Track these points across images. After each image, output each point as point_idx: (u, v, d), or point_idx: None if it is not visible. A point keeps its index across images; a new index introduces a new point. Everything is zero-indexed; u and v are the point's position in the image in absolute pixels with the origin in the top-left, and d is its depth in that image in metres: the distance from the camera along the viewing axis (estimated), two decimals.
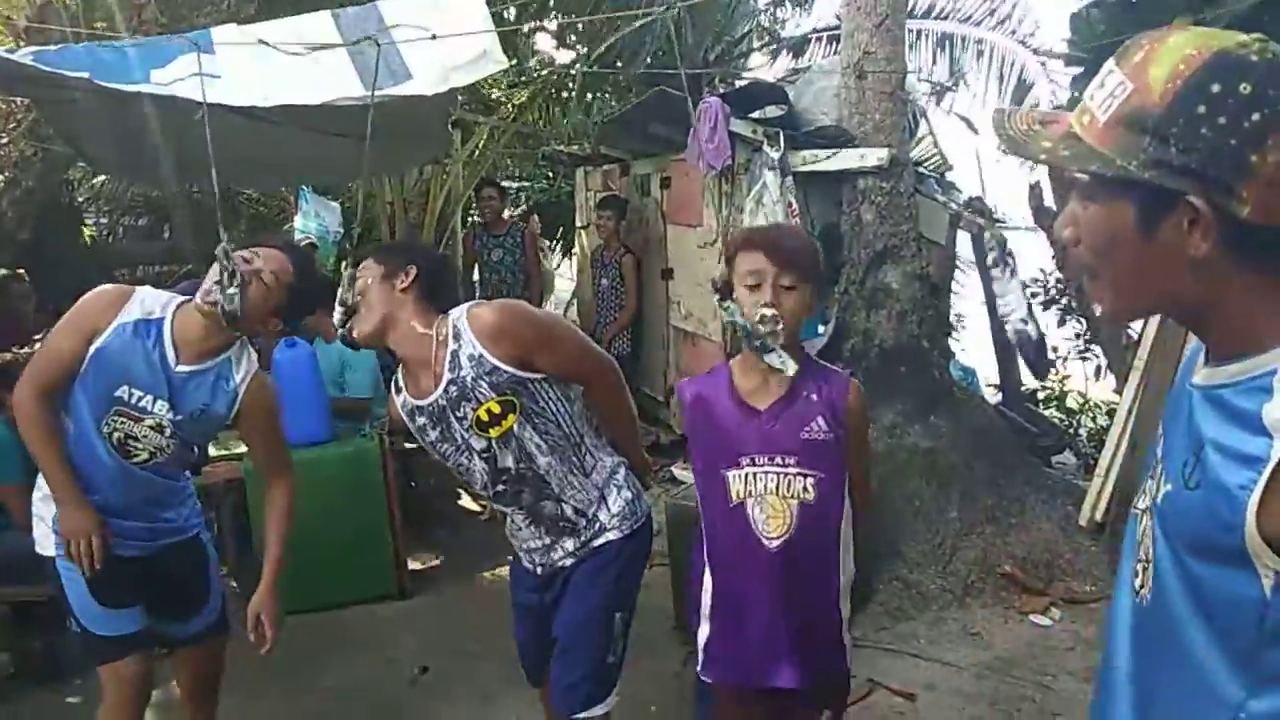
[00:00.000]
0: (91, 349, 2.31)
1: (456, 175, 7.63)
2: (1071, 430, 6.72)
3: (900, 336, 4.83)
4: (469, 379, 2.09)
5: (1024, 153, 1.03)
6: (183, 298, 2.43)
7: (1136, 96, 0.91)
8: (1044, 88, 9.31)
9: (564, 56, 8.83)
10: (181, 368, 2.36)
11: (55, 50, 4.29)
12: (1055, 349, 6.98)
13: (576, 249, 8.37)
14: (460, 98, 5.75)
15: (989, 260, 6.02)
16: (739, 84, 6.93)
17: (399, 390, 2.25)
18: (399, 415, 2.28)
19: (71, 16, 6.06)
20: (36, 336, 4.79)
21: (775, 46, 10.07)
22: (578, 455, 2.23)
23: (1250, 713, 0.89)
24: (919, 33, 9.58)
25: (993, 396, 6.49)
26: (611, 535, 2.26)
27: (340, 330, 2.24)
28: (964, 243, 6.45)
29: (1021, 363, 6.32)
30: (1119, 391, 4.98)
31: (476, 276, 7.21)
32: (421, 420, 2.21)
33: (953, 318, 7.05)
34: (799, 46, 10.06)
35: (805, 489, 1.97)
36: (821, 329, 5.65)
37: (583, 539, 2.26)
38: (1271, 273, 0.91)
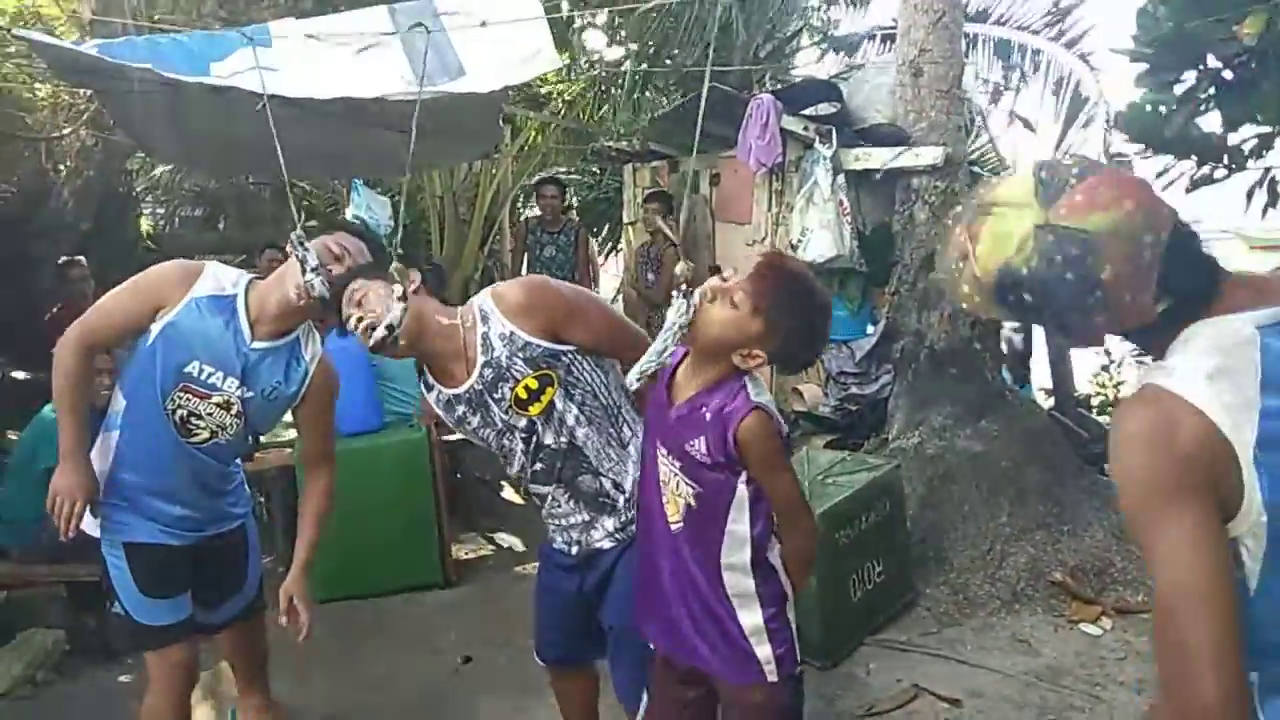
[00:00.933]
0: (160, 324, 2.32)
1: (505, 170, 7.65)
2: None
3: (952, 338, 4.76)
4: (503, 358, 2.09)
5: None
6: (251, 274, 2.45)
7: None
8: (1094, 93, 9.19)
9: (613, 54, 8.82)
10: (257, 344, 2.38)
11: (119, 42, 4.39)
12: (1109, 352, 6.85)
13: (623, 245, 8.36)
14: (510, 92, 5.77)
15: None
16: (791, 81, 6.89)
17: (430, 388, 2.25)
18: (435, 411, 2.27)
19: (133, 10, 6.19)
20: None
21: (826, 44, 9.98)
22: (615, 426, 2.22)
23: None
24: (975, 37, 9.49)
25: (1045, 401, 6.38)
26: None
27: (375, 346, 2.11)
28: None
29: (1073, 367, 6.21)
30: None
31: (525, 271, 7.25)
32: (461, 409, 2.20)
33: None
34: (852, 45, 9.98)
35: (688, 495, 1.94)
36: (870, 329, 5.60)
37: (623, 520, 2.23)
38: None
